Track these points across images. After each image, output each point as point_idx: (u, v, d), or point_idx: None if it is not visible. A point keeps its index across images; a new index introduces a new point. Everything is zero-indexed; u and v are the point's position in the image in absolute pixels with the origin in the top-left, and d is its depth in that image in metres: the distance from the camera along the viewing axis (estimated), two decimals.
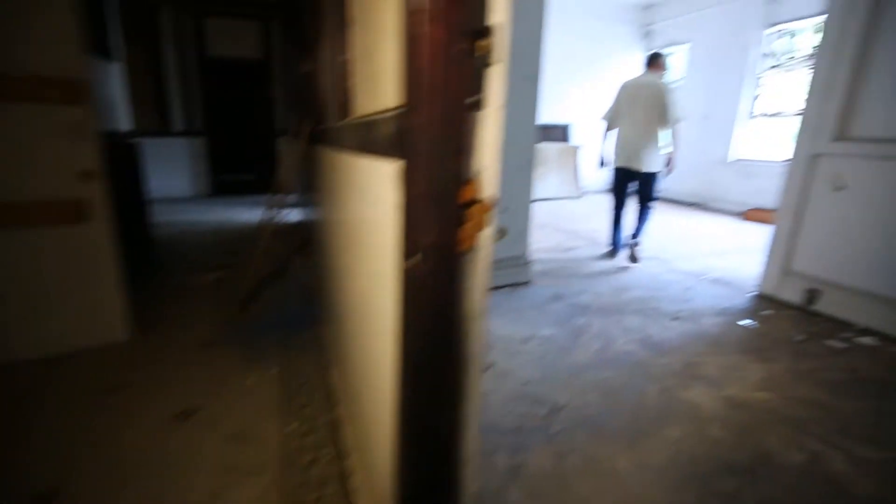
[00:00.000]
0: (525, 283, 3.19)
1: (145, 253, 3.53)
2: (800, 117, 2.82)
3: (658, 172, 3.64)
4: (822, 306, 2.75)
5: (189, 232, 4.52)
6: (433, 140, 0.60)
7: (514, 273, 3.17)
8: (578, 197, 7.43)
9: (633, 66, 7.87)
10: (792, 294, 2.89)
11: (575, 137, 7.70)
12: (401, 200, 0.67)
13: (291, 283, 3.09)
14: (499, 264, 3.10)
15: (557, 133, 7.58)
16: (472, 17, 0.57)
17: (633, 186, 3.79)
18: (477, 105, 0.61)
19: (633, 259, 3.82)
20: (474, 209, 0.64)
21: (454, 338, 0.69)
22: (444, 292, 0.66)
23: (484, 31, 0.58)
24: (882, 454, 1.55)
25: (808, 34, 5.50)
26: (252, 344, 2.24)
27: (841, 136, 2.59)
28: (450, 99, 0.59)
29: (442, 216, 0.63)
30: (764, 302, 2.94)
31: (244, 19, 6.63)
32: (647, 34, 7.78)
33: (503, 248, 3.12)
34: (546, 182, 7.13)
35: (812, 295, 2.79)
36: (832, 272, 2.70)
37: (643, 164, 3.58)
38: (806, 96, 2.77)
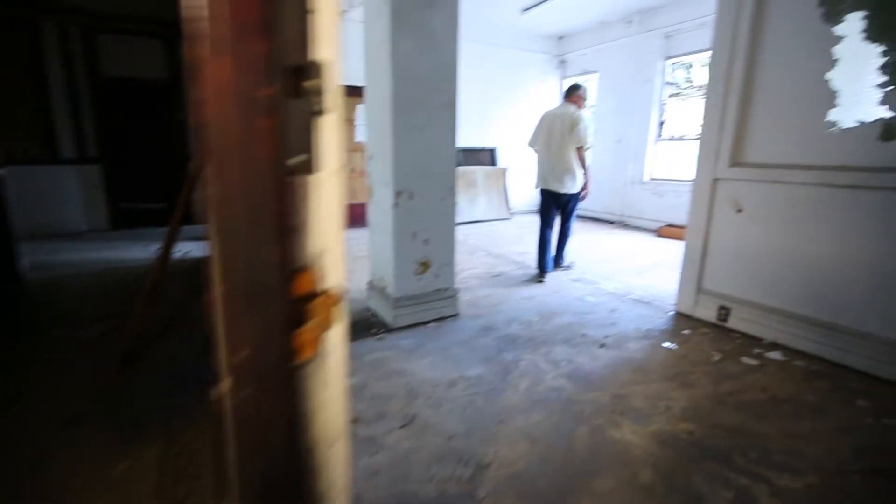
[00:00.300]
0: (453, 316, 3.06)
1: (11, 304, 2.97)
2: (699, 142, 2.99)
3: (575, 194, 3.96)
4: (733, 323, 2.87)
5: (73, 275, 3.92)
6: (241, 218, 0.43)
7: (441, 307, 3.02)
8: (508, 218, 7.53)
9: (552, 92, 8.25)
10: (706, 312, 3.00)
11: (502, 160, 7.85)
12: (212, 301, 0.48)
13: (188, 334, 2.71)
14: (424, 298, 2.95)
15: (485, 156, 7.69)
16: (285, 50, 0.41)
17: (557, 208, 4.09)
18: (305, 167, 0.44)
19: (558, 267, 4.26)
20: (317, 304, 0.47)
21: (300, 478, 0.50)
22: (278, 422, 0.47)
23: (306, 70, 0.42)
24: (801, 481, 1.55)
25: (699, 67, 6.03)
26: (129, 416, 1.88)
27: (735, 161, 2.76)
28: (259, 161, 0.42)
29: (264, 321, 0.45)
30: (682, 321, 3.03)
31: (146, 37, 6.09)
32: (561, 63, 8.19)
33: (427, 281, 2.97)
34: (475, 205, 7.16)
35: (724, 312, 2.91)
36: (739, 289, 2.84)
37: (561, 186, 3.88)
38: (702, 124, 2.94)
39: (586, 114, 4.37)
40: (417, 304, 2.92)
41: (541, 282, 3.93)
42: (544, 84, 8.14)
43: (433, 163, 2.88)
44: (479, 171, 7.27)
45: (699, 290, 3.03)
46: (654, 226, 6.59)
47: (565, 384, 2.18)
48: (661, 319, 3.06)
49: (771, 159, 2.64)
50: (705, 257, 2.97)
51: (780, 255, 2.64)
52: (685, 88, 6.27)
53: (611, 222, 7.25)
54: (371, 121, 3.03)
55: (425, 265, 2.93)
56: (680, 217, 6.31)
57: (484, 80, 7.46)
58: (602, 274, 4.20)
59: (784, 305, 2.64)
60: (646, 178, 6.81)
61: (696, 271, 3.03)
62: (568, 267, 4.37)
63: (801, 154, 2.54)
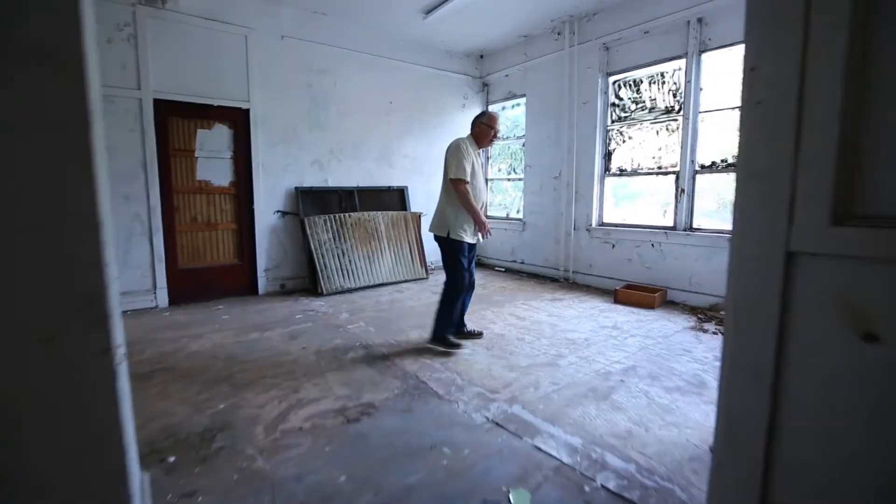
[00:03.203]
0: None
1: None
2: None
3: (456, 240, 3.07)
4: None
5: None
6: None
7: None
8: (424, 278, 5.78)
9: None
10: None
11: (415, 203, 6.18)
12: None
13: None
14: None
15: (390, 199, 5.98)
16: None
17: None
18: None
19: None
20: None
21: None
22: None
23: None
24: None
25: (648, 84, 4.77)
26: None
27: (846, 214, 1.14)
28: None
29: None
30: None
31: None
32: (484, 87, 6.83)
33: None
34: (377, 263, 5.36)
35: None
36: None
37: (437, 229, 3.19)
38: (741, 145, 1.33)
39: (495, 144, 2.99)
40: None
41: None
42: (466, 111, 6.69)
43: None
44: (381, 217, 5.53)
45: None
46: (609, 285, 5.08)
47: None
48: None
49: None
50: (774, 436, 1.29)
51: None
52: (634, 111, 4.97)
53: (554, 280, 5.69)
54: None
55: None
56: (641, 274, 4.84)
57: (387, 103, 5.86)
58: (540, 399, 2.46)
59: None
60: (594, 222, 5.36)
61: (753, 468, 1.32)
62: (471, 333, 3.43)
63: None
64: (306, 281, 5.13)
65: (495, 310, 4.26)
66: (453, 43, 6.12)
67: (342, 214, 5.21)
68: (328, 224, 5.08)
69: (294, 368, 2.84)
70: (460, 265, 3.10)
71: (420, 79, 6.16)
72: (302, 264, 5.16)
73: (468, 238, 3.09)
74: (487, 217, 7.08)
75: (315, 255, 4.90)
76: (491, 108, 6.87)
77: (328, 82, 5.34)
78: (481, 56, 6.72)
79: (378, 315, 4.11)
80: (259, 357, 3.05)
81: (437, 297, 4.78)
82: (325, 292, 4.85)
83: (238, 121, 4.82)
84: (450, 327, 3.23)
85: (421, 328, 3.68)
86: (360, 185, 5.68)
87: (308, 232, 4.92)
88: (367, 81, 5.65)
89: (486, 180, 7.01)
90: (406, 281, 5.57)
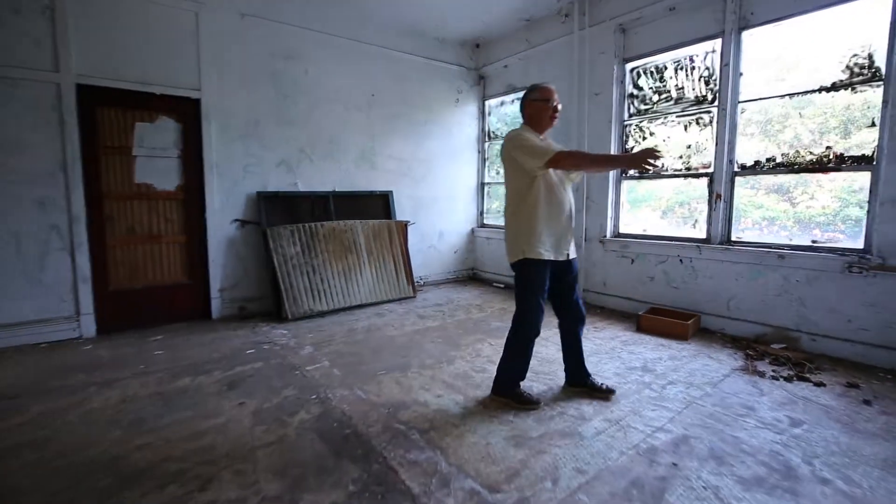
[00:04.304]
0: None
1: None
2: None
3: (528, 261, 2.34)
4: None
5: None
6: None
7: None
8: (411, 297, 4.99)
9: (470, 118, 6.06)
10: None
11: (401, 209, 5.40)
12: None
13: None
14: None
15: (373, 205, 5.20)
16: None
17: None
18: None
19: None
20: None
21: None
22: None
23: None
24: None
25: (675, 70, 4.03)
26: None
27: None
28: None
29: None
30: None
31: None
32: (480, 79, 6.08)
33: None
34: (356, 281, 4.56)
35: None
36: None
37: (511, 255, 2.43)
38: None
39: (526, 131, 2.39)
40: None
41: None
42: (460, 107, 5.94)
43: None
44: (361, 227, 4.74)
45: None
46: (628, 307, 4.31)
47: None
48: None
49: None
50: None
51: None
52: (657, 103, 4.22)
53: None
54: None
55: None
56: (666, 295, 4.07)
57: (369, 96, 5.10)
58: None
59: None
60: (608, 233, 4.59)
61: None
62: (601, 389, 2.54)
63: None
64: (270, 302, 4.33)
65: (494, 342, 3.47)
66: (445, 29, 5.38)
67: (314, 224, 4.42)
68: (296, 235, 4.29)
69: (215, 443, 2.05)
70: (532, 294, 2.34)
71: (407, 69, 5.40)
72: (265, 283, 4.36)
73: (548, 254, 2.32)
74: (483, 226, 6.38)
75: (279, 273, 4.11)
76: (489, 104, 6.12)
77: (298, 70, 4.57)
78: (477, 45, 5.97)
79: (348, 349, 3.31)
80: (174, 421, 2.25)
81: (423, 324, 4.02)
82: (290, 317, 4.05)
83: (187, 113, 4.04)
84: (518, 375, 2.48)
85: (399, 370, 2.89)
86: (337, 190, 4.90)
87: (271, 245, 4.13)
88: (346, 70, 4.89)
89: (490, 185, 6.25)
90: (389, 301, 4.78)
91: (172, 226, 4.07)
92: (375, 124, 5.18)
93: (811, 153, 3.35)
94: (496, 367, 2.53)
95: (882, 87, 3.00)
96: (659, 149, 2.19)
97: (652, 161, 2.04)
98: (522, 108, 2.47)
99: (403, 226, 5.11)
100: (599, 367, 2.96)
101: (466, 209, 6.17)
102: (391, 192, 5.32)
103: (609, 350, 3.29)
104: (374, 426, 2.19)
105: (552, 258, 2.34)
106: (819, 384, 2.69)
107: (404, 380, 2.74)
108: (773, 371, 2.90)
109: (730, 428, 2.18)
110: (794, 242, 3.43)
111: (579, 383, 2.59)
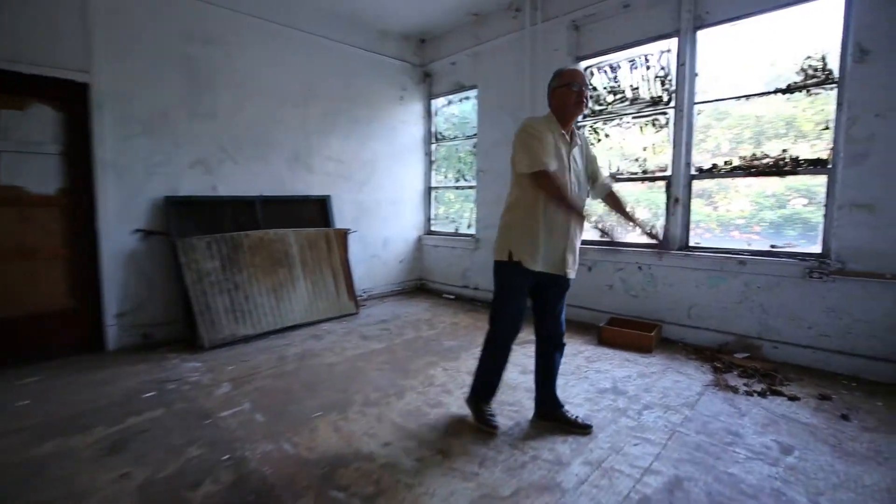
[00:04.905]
0: None
1: None
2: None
3: (509, 263, 2.08)
4: None
5: None
6: None
7: None
8: (353, 313, 4.48)
9: (416, 117, 5.66)
10: None
11: (340, 216, 4.88)
12: None
13: None
14: None
15: (308, 211, 4.64)
16: None
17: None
18: None
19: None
20: None
21: None
22: None
23: None
24: None
25: (630, 70, 3.87)
26: None
27: None
28: None
29: None
30: None
31: None
32: (425, 76, 5.70)
33: None
34: (288, 298, 3.98)
35: None
36: None
37: (497, 253, 2.15)
38: None
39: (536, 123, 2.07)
40: None
41: None
42: (405, 106, 5.52)
43: None
44: (294, 237, 4.17)
45: None
46: (587, 317, 4.09)
47: None
48: None
49: None
50: None
51: None
52: (611, 103, 4.05)
53: None
54: None
55: None
56: (625, 304, 3.87)
57: (305, 90, 4.55)
58: None
59: None
60: None
61: None
62: (577, 424, 2.21)
63: None
64: (181, 328, 3.65)
65: (448, 365, 3.07)
66: (387, 20, 4.95)
67: (237, 234, 3.81)
68: (216, 247, 3.65)
69: None
70: (509, 298, 2.12)
71: (348, 62, 4.91)
72: (175, 305, 3.68)
73: (532, 263, 2.03)
74: (431, 232, 5.97)
75: (192, 293, 3.46)
76: (435, 103, 5.76)
77: (218, 55, 3.95)
78: (422, 40, 5.60)
79: (277, 384, 2.76)
80: None
81: (367, 346, 3.50)
82: (206, 345, 3.41)
83: (72, 100, 3.31)
84: (488, 388, 2.28)
85: (339, 410, 2.41)
86: (266, 195, 4.30)
87: (183, 259, 3.47)
88: (277, 59, 4.31)
89: (469, 184, 5.87)
90: (328, 320, 4.24)
91: (52, 238, 3.30)
92: (312, 121, 4.63)
93: (768, 156, 3.27)
94: (457, 390, 2.14)
95: (836, 89, 2.97)
96: (594, 222, 2.00)
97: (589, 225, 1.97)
98: (549, 95, 2.14)
99: (343, 234, 4.59)
100: (568, 390, 2.64)
101: (413, 215, 5.75)
102: (329, 196, 4.78)
103: (575, 369, 3.00)
104: (304, 496, 1.70)
105: (541, 270, 2.02)
106: (793, 398, 2.55)
107: (344, 424, 2.26)
108: (745, 385, 2.73)
109: (721, 462, 1.92)
110: (754, 248, 3.34)
111: (550, 415, 2.26)
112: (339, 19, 4.75)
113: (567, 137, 2.08)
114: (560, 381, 2.69)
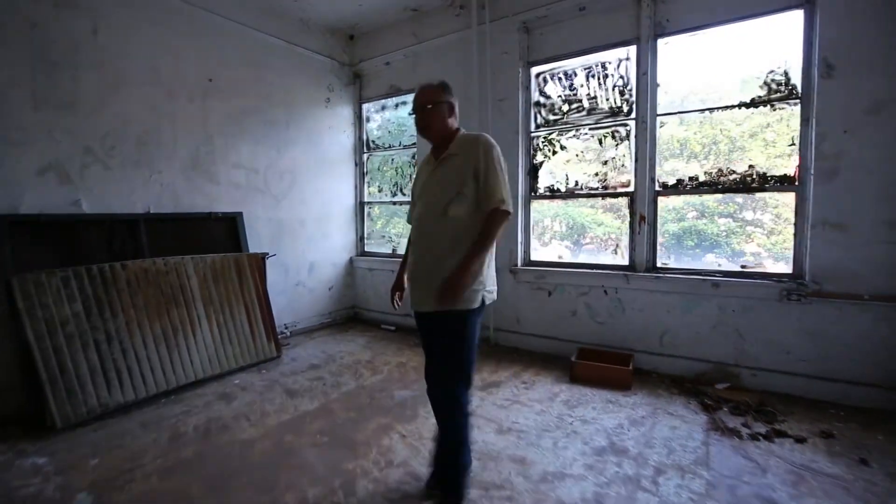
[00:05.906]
0: None
1: None
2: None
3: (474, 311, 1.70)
4: None
5: None
6: None
7: None
8: (275, 357, 3.63)
9: (345, 123, 4.97)
10: None
11: (256, 237, 4.01)
12: None
13: None
14: None
15: (213, 233, 3.72)
16: None
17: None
18: None
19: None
20: None
21: None
22: None
23: None
24: None
25: (586, 77, 3.59)
26: None
27: None
28: None
29: None
30: None
31: None
32: (355, 77, 5.05)
33: None
34: (185, 346, 3.06)
35: None
36: None
37: (440, 299, 1.67)
38: None
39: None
40: None
41: None
42: (331, 109, 4.80)
43: None
44: (193, 266, 3.26)
45: None
46: (549, 348, 3.67)
47: None
48: None
49: None
50: None
51: None
52: (567, 113, 3.73)
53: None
54: None
55: None
56: (591, 332, 3.50)
57: (205, 81, 3.67)
58: None
59: None
60: (519, 261, 3.93)
61: None
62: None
63: None
64: (20, 400, 2.58)
65: (406, 428, 2.43)
66: (309, 8, 4.24)
67: (110, 265, 2.83)
68: (76, 284, 2.66)
69: None
70: (474, 347, 1.75)
71: (263, 52, 4.10)
72: (11, 369, 2.60)
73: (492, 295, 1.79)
74: (365, 254, 5.26)
75: (37, 351, 2.44)
76: (367, 107, 5.11)
77: (80, 27, 2.98)
78: (351, 37, 4.95)
79: (166, 487, 1.91)
80: None
81: (296, 407, 2.64)
82: (59, 424, 2.41)
83: None
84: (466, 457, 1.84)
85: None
86: (154, 211, 3.34)
87: (21, 305, 2.45)
88: (167, 39, 3.41)
89: (369, 203, 5.20)
90: (242, 369, 3.36)
91: None
92: (215, 121, 3.75)
93: (734, 172, 3.12)
94: (439, 462, 1.55)
95: (799, 105, 2.87)
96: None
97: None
98: (449, 115, 1.86)
99: (259, 259, 3.74)
100: (559, 453, 2.14)
101: (343, 234, 5.01)
102: (240, 213, 3.90)
103: (556, 420, 2.51)
104: None
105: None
106: (799, 440, 2.29)
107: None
108: (744, 426, 2.44)
109: None
110: (725, 268, 3.15)
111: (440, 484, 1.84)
112: (255, 1, 3.95)
113: None
114: (547, 439, 2.20)
